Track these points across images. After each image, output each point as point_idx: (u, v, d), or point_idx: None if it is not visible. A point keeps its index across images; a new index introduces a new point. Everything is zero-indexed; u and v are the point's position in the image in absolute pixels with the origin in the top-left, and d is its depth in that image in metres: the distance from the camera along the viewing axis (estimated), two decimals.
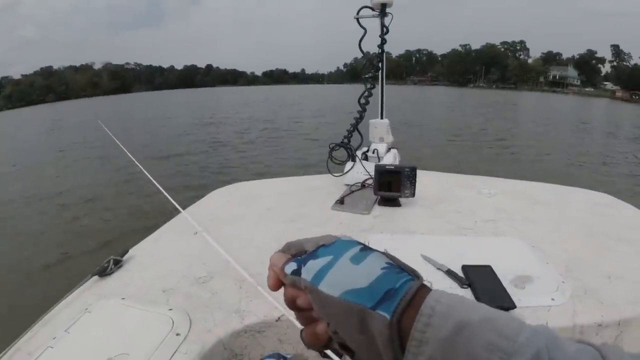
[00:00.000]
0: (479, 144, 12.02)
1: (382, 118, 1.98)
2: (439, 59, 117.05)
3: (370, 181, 1.69)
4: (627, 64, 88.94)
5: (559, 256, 1.11)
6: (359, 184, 1.74)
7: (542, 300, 0.89)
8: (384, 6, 1.75)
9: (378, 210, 1.48)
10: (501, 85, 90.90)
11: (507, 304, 0.83)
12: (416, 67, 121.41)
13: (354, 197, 1.61)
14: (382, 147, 1.92)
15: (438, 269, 0.99)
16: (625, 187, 7.18)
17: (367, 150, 1.92)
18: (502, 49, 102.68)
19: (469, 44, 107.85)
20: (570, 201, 1.59)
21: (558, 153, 10.84)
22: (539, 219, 1.38)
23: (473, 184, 1.75)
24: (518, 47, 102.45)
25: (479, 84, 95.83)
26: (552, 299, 0.90)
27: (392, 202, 1.51)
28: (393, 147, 2.01)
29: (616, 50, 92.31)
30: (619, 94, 69.26)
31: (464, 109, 25.71)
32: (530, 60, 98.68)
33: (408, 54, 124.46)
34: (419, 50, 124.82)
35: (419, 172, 1.49)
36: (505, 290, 0.87)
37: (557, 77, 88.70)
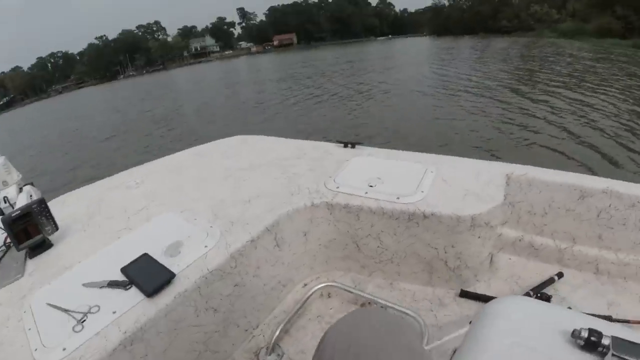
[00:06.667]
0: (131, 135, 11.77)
1: None
2: (78, 58, 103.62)
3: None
4: (255, 22, 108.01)
5: (207, 204, 1.29)
6: (3, 247, 1.40)
7: (197, 253, 1.03)
8: None
9: (32, 264, 1.24)
10: (150, 69, 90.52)
11: (167, 277, 0.92)
12: (55, 74, 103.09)
13: (3, 266, 1.29)
14: (12, 191, 1.60)
15: (102, 287, 0.96)
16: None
17: None
18: (140, 33, 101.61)
19: (105, 35, 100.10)
20: (206, 153, 1.86)
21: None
22: (183, 182, 1.55)
23: (121, 181, 1.73)
24: (155, 28, 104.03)
25: (129, 73, 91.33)
26: (206, 246, 1.05)
27: (43, 247, 1.29)
28: (27, 183, 1.70)
29: (242, 13, 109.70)
30: (254, 49, 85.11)
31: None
32: (170, 39, 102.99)
33: (41, 62, 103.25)
34: (52, 55, 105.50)
35: (63, 197, 1.34)
36: (163, 266, 0.95)
37: (199, 49, 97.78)
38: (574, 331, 0.57)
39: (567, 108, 8.35)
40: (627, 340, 0.55)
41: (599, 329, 0.56)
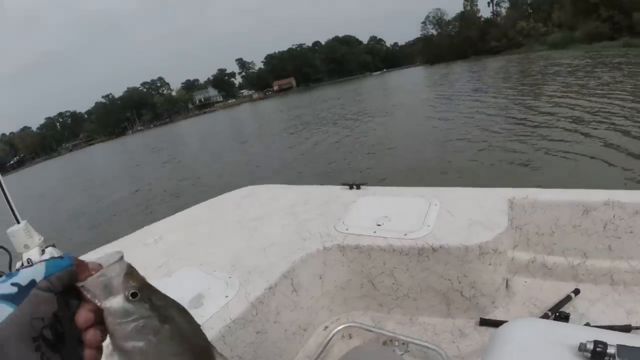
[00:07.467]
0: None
1: (18, 222, 1.70)
2: (86, 116, 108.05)
3: None
4: (254, 70, 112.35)
5: (224, 256, 1.35)
6: None
7: (219, 303, 1.07)
8: None
9: None
10: (158, 123, 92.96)
11: None
12: (65, 133, 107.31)
13: None
14: (34, 254, 1.67)
15: None
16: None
17: (22, 265, 1.62)
18: (145, 90, 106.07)
19: (111, 94, 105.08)
20: (218, 206, 1.89)
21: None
22: (199, 237, 1.60)
23: (139, 239, 1.77)
24: (159, 84, 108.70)
25: (137, 128, 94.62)
26: (226, 296, 1.10)
27: None
28: (49, 245, 1.78)
29: (241, 63, 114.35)
30: (255, 96, 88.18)
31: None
32: (174, 93, 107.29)
33: (50, 122, 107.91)
34: (60, 114, 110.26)
35: (83, 257, 1.38)
36: None
37: (203, 100, 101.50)
38: (580, 345, 0.59)
39: (583, 117, 8.29)
40: (632, 347, 0.57)
41: (604, 339, 0.59)
